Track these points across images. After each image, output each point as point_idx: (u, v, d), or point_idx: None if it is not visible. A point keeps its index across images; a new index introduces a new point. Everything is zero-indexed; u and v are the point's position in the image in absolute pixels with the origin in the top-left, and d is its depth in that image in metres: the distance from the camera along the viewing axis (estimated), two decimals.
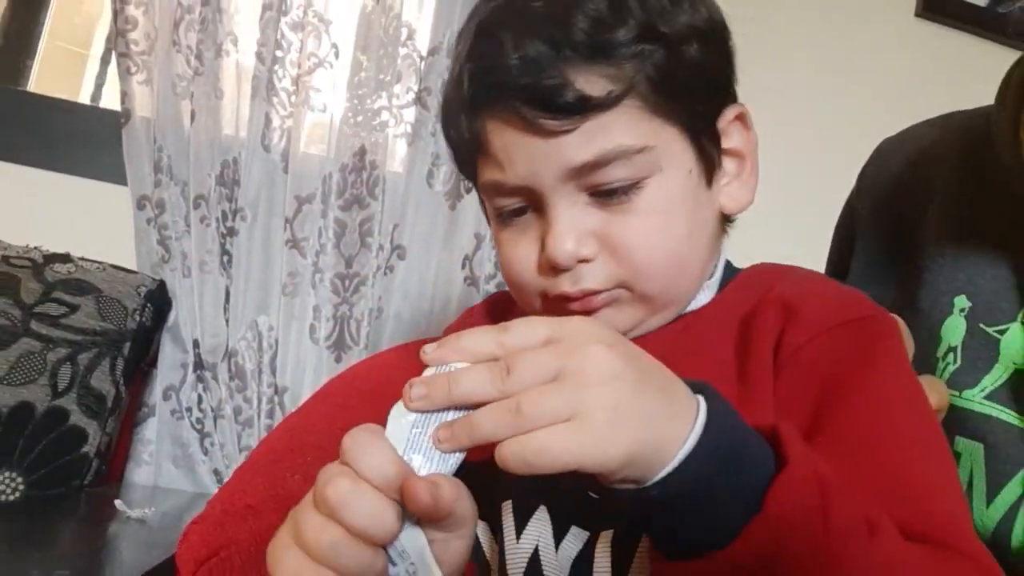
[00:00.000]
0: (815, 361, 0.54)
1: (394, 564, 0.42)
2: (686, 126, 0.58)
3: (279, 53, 1.37)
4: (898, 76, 1.65)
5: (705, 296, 0.63)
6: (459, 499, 0.42)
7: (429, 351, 0.43)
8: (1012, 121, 0.73)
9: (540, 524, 0.57)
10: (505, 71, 0.55)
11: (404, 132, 1.43)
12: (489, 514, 0.59)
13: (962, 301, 0.76)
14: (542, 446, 0.38)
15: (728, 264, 0.66)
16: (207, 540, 0.61)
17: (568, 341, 0.40)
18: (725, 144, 0.62)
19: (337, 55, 1.41)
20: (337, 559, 0.40)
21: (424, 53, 1.43)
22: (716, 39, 0.61)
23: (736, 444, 0.41)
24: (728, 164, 0.63)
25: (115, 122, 1.38)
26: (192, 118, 1.36)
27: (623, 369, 0.39)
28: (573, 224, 0.56)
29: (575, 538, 0.56)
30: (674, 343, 0.59)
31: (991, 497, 0.69)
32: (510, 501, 0.58)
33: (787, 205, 1.59)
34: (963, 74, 1.62)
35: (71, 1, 1.75)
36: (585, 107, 0.54)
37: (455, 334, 0.43)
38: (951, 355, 0.75)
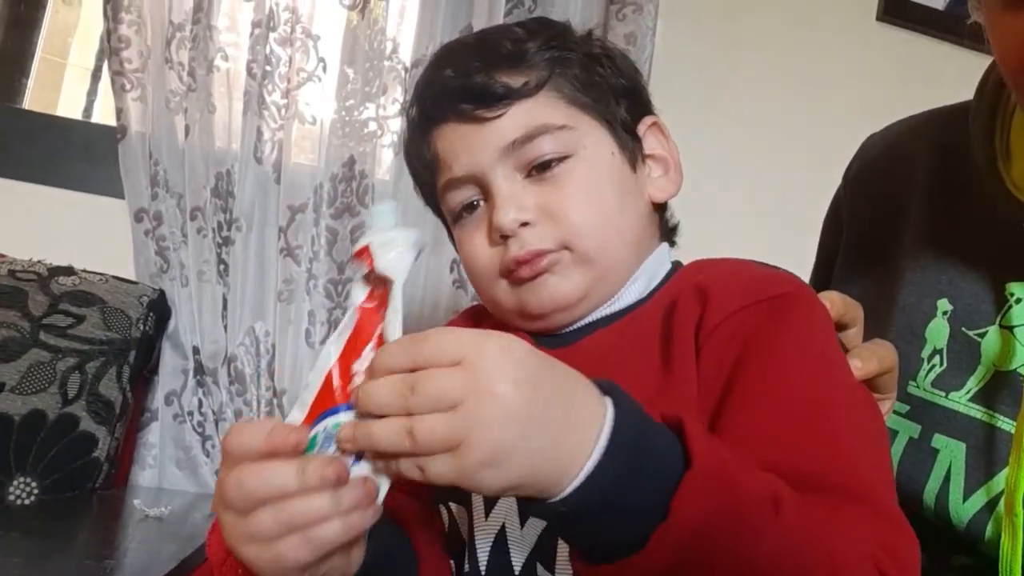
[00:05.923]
0: (731, 336, 0.59)
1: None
2: (603, 119, 0.68)
3: (269, 68, 1.42)
4: (860, 79, 1.71)
5: (641, 286, 0.68)
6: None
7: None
8: (986, 126, 0.75)
9: (507, 503, 0.63)
10: (443, 82, 0.68)
11: (391, 142, 1.48)
12: (461, 495, 0.66)
13: (944, 304, 0.76)
14: (425, 468, 0.42)
15: (676, 265, 0.72)
16: None
17: (477, 370, 0.42)
18: (647, 149, 0.72)
19: (325, 69, 1.46)
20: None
21: (408, 65, 1.48)
22: (625, 69, 0.73)
23: (642, 450, 0.43)
24: (653, 167, 0.72)
25: (111, 137, 1.42)
26: (186, 132, 1.41)
27: (519, 411, 0.42)
28: (513, 196, 0.65)
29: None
30: (611, 345, 0.65)
31: (967, 495, 0.70)
32: None
33: (753, 205, 1.66)
34: (924, 76, 1.68)
35: (63, 20, 1.79)
36: (509, 94, 0.65)
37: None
38: (937, 357, 0.75)
